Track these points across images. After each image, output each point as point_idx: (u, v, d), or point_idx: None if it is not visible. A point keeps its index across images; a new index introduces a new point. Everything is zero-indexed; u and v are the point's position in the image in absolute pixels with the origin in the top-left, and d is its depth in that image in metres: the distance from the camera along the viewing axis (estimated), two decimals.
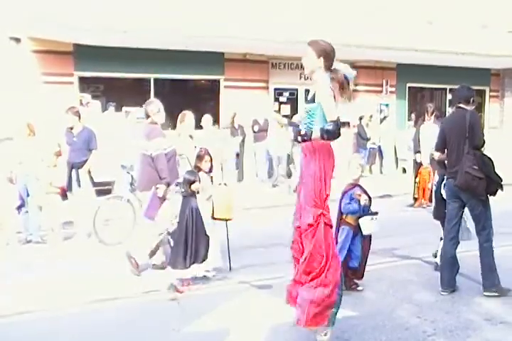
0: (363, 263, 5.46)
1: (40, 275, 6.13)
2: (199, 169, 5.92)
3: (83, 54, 11.72)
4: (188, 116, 7.19)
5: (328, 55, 3.96)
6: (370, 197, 5.48)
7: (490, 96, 17.97)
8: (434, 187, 5.87)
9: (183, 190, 5.69)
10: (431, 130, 10.58)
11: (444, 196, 5.57)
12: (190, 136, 7.15)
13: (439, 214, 5.83)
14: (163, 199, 6.17)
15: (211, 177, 6.18)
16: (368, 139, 14.40)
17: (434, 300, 5.16)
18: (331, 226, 4.00)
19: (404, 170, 14.44)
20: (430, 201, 10.50)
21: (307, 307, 3.84)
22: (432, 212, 8.43)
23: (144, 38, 11.20)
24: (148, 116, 6.33)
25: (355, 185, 5.51)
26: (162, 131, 6.36)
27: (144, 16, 10.27)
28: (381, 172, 14.92)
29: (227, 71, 13.59)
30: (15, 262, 6.71)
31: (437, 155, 5.67)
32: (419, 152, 10.75)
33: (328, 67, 3.99)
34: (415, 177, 10.40)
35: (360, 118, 14.58)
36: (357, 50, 13.16)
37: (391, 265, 6.48)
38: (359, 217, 5.35)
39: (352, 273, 5.45)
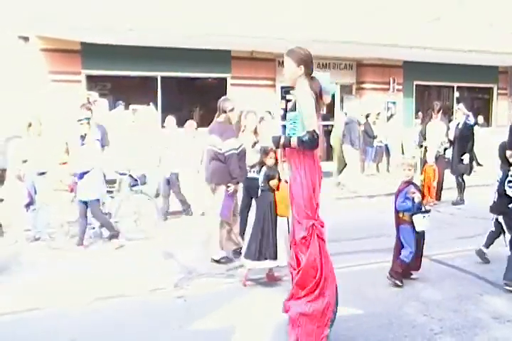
0: (419, 257, 5.70)
1: (45, 273, 6.16)
2: (263, 164, 5.98)
3: (91, 52, 11.75)
4: (250, 114, 7.25)
5: (307, 62, 3.97)
6: (423, 195, 5.75)
7: (498, 94, 17.88)
8: (497, 183, 6.05)
9: (262, 185, 5.78)
10: (438, 127, 10.60)
11: (508, 192, 5.81)
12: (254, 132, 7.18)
13: (500, 209, 6.04)
14: (235, 197, 6.45)
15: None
16: (374, 137, 14.35)
17: (441, 299, 5.15)
18: (323, 240, 3.94)
19: None
20: (437, 199, 10.52)
21: (298, 321, 3.84)
22: (437, 210, 8.48)
23: (150, 37, 11.21)
24: (224, 112, 6.52)
25: (409, 183, 5.68)
26: (234, 131, 6.57)
27: (151, 15, 10.28)
28: (388, 171, 14.87)
29: (234, 69, 13.59)
30: (22, 260, 6.75)
31: (509, 153, 5.99)
32: (421, 146, 10.76)
33: (309, 74, 4.00)
34: (420, 175, 10.38)
35: (367, 116, 14.53)
36: (363, 48, 13.16)
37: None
38: (412, 214, 5.56)
39: (407, 267, 5.67)
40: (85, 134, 7.34)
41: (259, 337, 4.28)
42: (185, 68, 12.79)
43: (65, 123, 8.70)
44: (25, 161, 7.72)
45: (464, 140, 10.37)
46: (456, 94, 17.19)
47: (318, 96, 3.99)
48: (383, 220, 8.28)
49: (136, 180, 8.01)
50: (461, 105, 11.04)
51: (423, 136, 10.74)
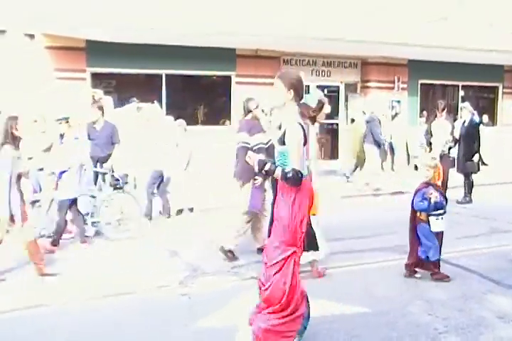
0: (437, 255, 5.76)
1: (48, 270, 6.14)
2: None
3: (95, 50, 11.77)
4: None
5: (297, 87, 3.92)
6: (445, 198, 5.79)
7: (503, 93, 17.82)
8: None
9: None
10: (442, 126, 10.56)
11: None
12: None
13: None
14: (263, 189, 6.58)
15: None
16: None
17: (445, 298, 5.14)
18: (298, 264, 3.93)
19: (416, 167, 14.36)
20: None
21: (261, 336, 3.81)
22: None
23: (155, 34, 11.21)
24: (249, 111, 6.68)
25: (428, 184, 5.74)
26: (262, 126, 6.67)
27: (156, 13, 10.28)
28: (392, 169, 14.84)
29: (238, 67, 13.58)
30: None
31: None
32: (430, 144, 10.74)
33: (299, 99, 3.99)
34: None
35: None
36: (368, 46, 13.13)
37: (403, 262, 6.44)
38: (428, 215, 5.64)
39: (424, 264, 5.78)
40: (64, 133, 7.34)
41: None
42: (190, 66, 12.81)
43: (70, 121, 8.71)
44: (30, 158, 7.73)
45: (470, 138, 10.36)
46: (461, 93, 17.14)
47: (311, 119, 4.02)
48: (389, 219, 8.32)
49: (117, 180, 7.95)
50: (466, 103, 11.02)
51: (430, 134, 10.71)
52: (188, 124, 10.06)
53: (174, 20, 10.45)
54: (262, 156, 4.06)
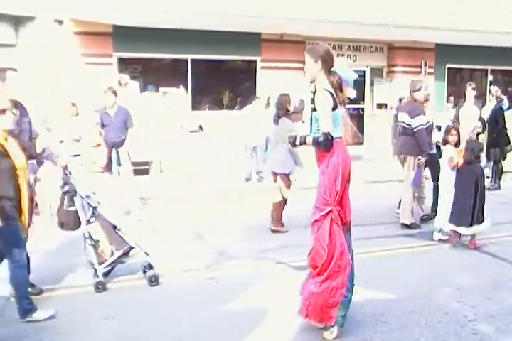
0: None
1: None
2: (446, 142, 6.60)
3: (122, 35, 11.79)
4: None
5: (324, 58, 3.99)
6: None
7: None
8: None
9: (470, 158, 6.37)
10: (470, 112, 10.38)
11: None
12: None
13: None
14: (423, 167, 7.28)
15: None
16: None
17: (474, 285, 5.12)
18: (339, 225, 3.97)
19: (440, 155, 14.20)
20: None
21: (308, 299, 3.95)
22: None
23: (182, 19, 11.19)
24: (410, 93, 7.34)
25: None
26: (422, 108, 7.23)
27: None
28: None
29: (263, 52, 13.51)
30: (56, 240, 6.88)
31: None
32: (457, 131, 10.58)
33: (328, 69, 4.03)
34: None
35: (400, 100, 14.33)
36: (394, 30, 12.91)
37: (430, 248, 6.44)
38: None
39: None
40: None
41: (289, 320, 4.30)
42: (216, 51, 12.77)
43: (98, 106, 8.79)
44: (61, 141, 7.83)
45: (494, 125, 10.25)
46: (490, 78, 16.81)
47: (338, 89, 4.02)
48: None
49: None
50: (494, 88, 10.82)
51: (457, 121, 10.55)
52: (212, 109, 10.15)
53: (200, 5, 10.40)
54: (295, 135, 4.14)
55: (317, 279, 3.94)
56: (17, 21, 11.50)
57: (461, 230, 6.25)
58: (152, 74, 12.68)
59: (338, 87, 4.02)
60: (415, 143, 7.07)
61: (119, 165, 8.13)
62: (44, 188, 7.83)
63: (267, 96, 12.50)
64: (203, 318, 4.42)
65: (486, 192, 6.47)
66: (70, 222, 5.15)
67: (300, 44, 13.84)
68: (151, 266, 5.26)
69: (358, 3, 11.58)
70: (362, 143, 12.88)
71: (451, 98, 15.41)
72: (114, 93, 8.26)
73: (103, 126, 8.37)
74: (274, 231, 7.19)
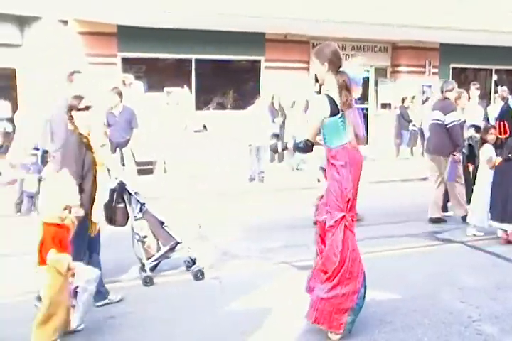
0: None
1: None
2: (484, 141, 6.67)
3: (126, 35, 11.82)
4: (464, 93, 8.01)
5: (332, 59, 3.96)
6: None
7: None
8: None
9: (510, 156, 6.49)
10: (474, 112, 10.35)
11: None
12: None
13: None
14: (459, 163, 7.36)
15: None
16: (409, 121, 14.16)
17: (478, 286, 5.10)
18: (352, 232, 3.99)
19: None
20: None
21: (316, 304, 3.92)
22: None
23: (185, 19, 11.20)
24: (441, 92, 7.56)
25: None
26: (455, 105, 7.46)
27: None
28: (422, 155, 14.67)
29: (267, 51, 13.52)
30: None
31: None
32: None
33: (336, 69, 3.99)
34: None
35: (403, 100, 14.33)
36: (399, 30, 12.91)
37: (434, 248, 6.44)
38: None
39: None
40: None
41: (292, 320, 4.30)
42: (220, 51, 12.78)
43: (102, 106, 8.80)
44: None
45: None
46: (495, 77, 16.77)
47: (345, 89, 3.96)
48: (417, 205, 8.25)
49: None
50: (504, 87, 10.77)
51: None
52: (217, 109, 10.18)
53: (204, 5, 10.41)
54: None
55: (327, 285, 3.91)
56: (22, 21, 11.55)
57: (506, 227, 6.39)
58: (156, 74, 12.70)
59: (345, 87, 3.95)
60: (448, 142, 7.25)
61: (123, 164, 8.15)
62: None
63: (271, 96, 12.52)
64: (205, 318, 4.42)
65: None
66: (119, 218, 5.27)
67: (304, 44, 13.87)
68: (194, 261, 5.38)
69: (361, 3, 11.57)
70: (366, 143, 12.82)
71: None
72: (119, 93, 8.28)
73: (108, 125, 8.40)
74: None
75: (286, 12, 11.04)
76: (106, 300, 4.64)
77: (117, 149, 8.29)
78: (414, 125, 14.34)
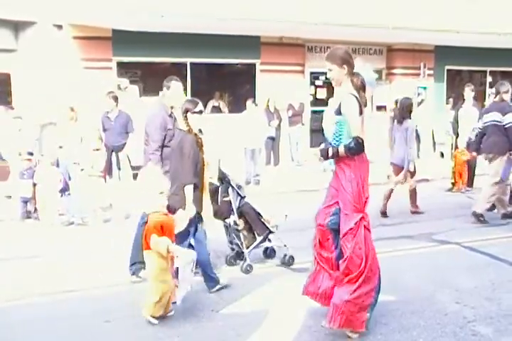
0: None
1: (77, 256, 6.29)
2: None
3: (121, 39, 11.81)
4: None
5: (349, 61, 4.03)
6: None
7: None
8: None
9: None
10: (470, 113, 10.38)
11: None
12: None
13: None
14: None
15: None
16: None
17: (473, 287, 5.11)
18: (370, 231, 4.05)
19: (442, 155, 14.21)
20: (468, 185, 10.38)
21: (341, 308, 3.89)
22: (468, 196, 8.46)
23: (180, 23, 11.21)
24: (498, 93, 7.71)
25: None
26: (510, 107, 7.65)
27: (180, 1, 10.28)
28: (418, 157, 14.71)
29: (263, 55, 13.54)
30: (56, 243, 6.92)
31: None
32: (457, 134, 10.59)
33: (352, 71, 4.06)
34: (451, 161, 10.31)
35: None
36: (394, 32, 12.92)
37: (430, 250, 6.45)
38: None
39: None
40: None
41: (289, 322, 4.31)
42: (215, 54, 12.80)
43: (98, 110, 8.82)
44: (61, 147, 7.86)
45: None
46: (489, 79, 16.82)
47: (362, 90, 4.04)
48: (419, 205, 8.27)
49: None
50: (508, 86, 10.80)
51: (456, 122, 10.57)
52: (212, 112, 10.17)
53: (199, 8, 10.43)
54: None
55: (351, 286, 3.92)
56: (17, 26, 11.56)
57: None
58: (152, 78, 12.69)
59: (362, 88, 4.04)
60: (506, 142, 7.49)
61: (119, 169, 8.17)
62: (42, 192, 7.88)
63: (267, 99, 12.53)
64: (205, 320, 4.43)
65: None
66: (224, 210, 5.69)
67: (299, 47, 13.91)
68: (274, 251, 6.02)
69: (357, 5, 11.61)
70: None
71: (451, 100, 15.42)
72: (115, 98, 8.31)
73: (104, 130, 8.41)
74: (413, 213, 8.32)
75: (281, 15, 11.06)
76: (219, 286, 4.99)
77: (113, 153, 8.32)
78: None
